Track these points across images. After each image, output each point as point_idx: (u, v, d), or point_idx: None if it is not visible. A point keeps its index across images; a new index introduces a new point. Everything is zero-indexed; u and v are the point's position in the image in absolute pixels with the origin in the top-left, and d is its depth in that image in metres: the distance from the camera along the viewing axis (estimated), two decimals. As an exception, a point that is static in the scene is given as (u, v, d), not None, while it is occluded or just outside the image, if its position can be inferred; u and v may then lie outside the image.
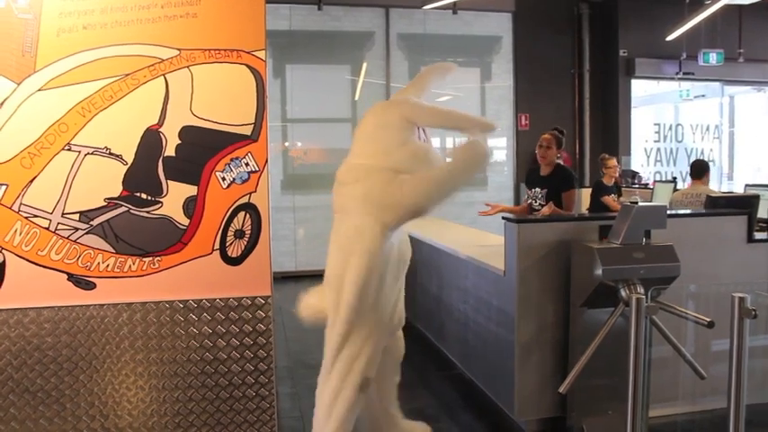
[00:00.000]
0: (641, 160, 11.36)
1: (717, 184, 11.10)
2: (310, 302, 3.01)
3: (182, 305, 3.20)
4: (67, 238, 3.08)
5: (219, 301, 3.22)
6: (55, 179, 3.05)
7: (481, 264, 4.24)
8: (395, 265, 3.00)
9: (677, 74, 10.61)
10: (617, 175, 7.69)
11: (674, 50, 10.22)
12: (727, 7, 8.99)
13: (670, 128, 11.77)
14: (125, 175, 3.11)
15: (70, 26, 3.02)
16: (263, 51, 3.19)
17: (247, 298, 3.24)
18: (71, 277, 3.11)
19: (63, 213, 3.07)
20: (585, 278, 3.43)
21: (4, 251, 3.04)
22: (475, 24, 10.12)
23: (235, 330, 3.24)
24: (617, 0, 10.29)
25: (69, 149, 3.05)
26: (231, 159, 3.19)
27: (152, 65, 3.10)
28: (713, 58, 10.19)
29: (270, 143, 3.30)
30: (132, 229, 3.12)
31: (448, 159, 2.97)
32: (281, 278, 8.58)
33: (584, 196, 8.21)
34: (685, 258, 3.37)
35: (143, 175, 3.12)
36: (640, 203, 3.46)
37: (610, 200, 7.16)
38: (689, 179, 6.25)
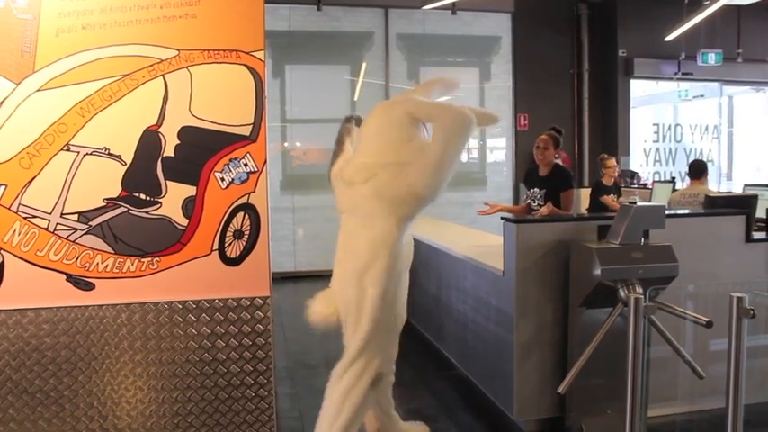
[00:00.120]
0: (640, 160, 11.37)
1: (715, 184, 11.11)
2: (317, 309, 3.01)
3: (180, 306, 3.20)
4: (66, 238, 3.08)
5: (218, 302, 3.22)
6: (54, 179, 3.05)
7: (480, 264, 4.24)
8: (404, 263, 3.06)
9: (676, 74, 10.62)
10: (616, 175, 7.69)
11: (672, 51, 10.23)
12: (726, 8, 9.00)
13: (669, 128, 11.78)
14: (124, 175, 3.11)
15: (69, 26, 3.02)
16: (262, 52, 3.20)
17: (246, 298, 3.24)
18: (70, 278, 3.11)
19: (62, 214, 3.07)
20: (584, 278, 3.43)
21: (2, 252, 3.04)
22: (474, 25, 10.12)
23: (234, 331, 3.24)
24: (616, 0, 10.29)
25: (68, 150, 3.05)
26: (230, 160, 3.19)
27: (151, 65, 3.10)
28: (712, 58, 10.20)
29: (269, 143, 3.31)
30: (131, 230, 3.12)
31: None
32: (281, 278, 8.59)
33: (584, 196, 8.22)
34: (684, 258, 3.37)
35: (142, 176, 3.12)
36: (639, 203, 3.47)
37: (609, 199, 7.17)
38: (688, 179, 6.25)
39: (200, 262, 3.19)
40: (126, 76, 3.08)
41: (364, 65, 9.76)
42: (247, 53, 3.18)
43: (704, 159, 10.05)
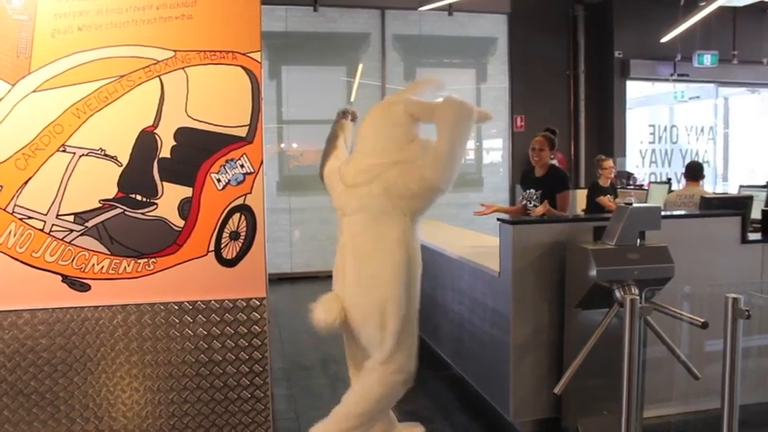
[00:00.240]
0: (636, 161, 11.39)
1: (711, 186, 11.13)
2: (320, 317, 3.00)
3: (176, 307, 3.19)
4: (62, 239, 3.08)
5: (214, 303, 3.22)
6: (50, 180, 3.04)
7: (476, 265, 4.24)
8: (419, 258, 3.12)
9: (672, 75, 10.64)
10: (613, 176, 7.71)
11: (668, 52, 10.25)
12: (722, 9, 9.03)
13: (665, 129, 11.81)
14: (120, 176, 3.10)
15: (65, 27, 3.02)
16: (259, 53, 3.20)
17: (242, 300, 3.24)
18: (65, 279, 3.10)
19: (58, 215, 3.06)
20: (580, 279, 3.44)
21: (-2, 253, 3.03)
22: (470, 26, 10.13)
23: (230, 332, 3.24)
24: (612, 2, 10.31)
25: (64, 151, 3.05)
26: (226, 161, 3.19)
27: (147, 66, 3.09)
28: (707, 59, 10.23)
29: (265, 144, 3.31)
30: (127, 231, 3.12)
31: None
32: (277, 280, 8.59)
33: (580, 197, 8.23)
34: (679, 259, 3.38)
35: (138, 177, 3.12)
36: (635, 204, 3.47)
37: (605, 200, 7.18)
38: (683, 180, 6.26)
39: (197, 263, 3.19)
40: (122, 77, 3.08)
41: (361, 66, 9.76)
42: (244, 54, 3.18)
43: (700, 160, 10.09)
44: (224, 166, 3.18)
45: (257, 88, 3.20)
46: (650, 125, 11.74)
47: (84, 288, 3.12)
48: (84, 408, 3.17)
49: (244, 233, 3.23)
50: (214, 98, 3.16)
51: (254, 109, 3.20)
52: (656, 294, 3.39)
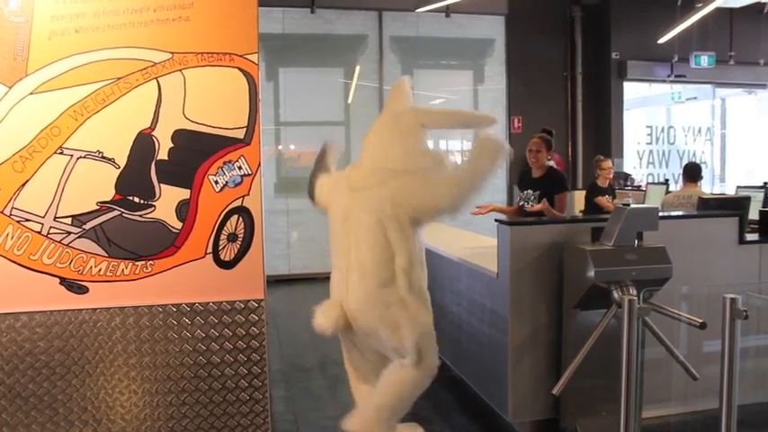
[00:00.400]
0: (634, 162, 11.41)
1: (708, 186, 11.15)
2: (322, 323, 3.00)
3: (174, 309, 3.19)
4: (60, 242, 3.07)
5: (212, 305, 3.21)
6: (47, 183, 3.04)
7: (474, 266, 4.24)
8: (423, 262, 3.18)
9: (669, 76, 10.67)
10: (611, 176, 7.72)
11: (665, 53, 10.27)
12: (719, 10, 9.06)
13: (662, 130, 11.83)
14: (118, 178, 3.10)
15: (62, 29, 3.02)
16: (256, 55, 3.20)
17: (240, 301, 3.24)
18: (63, 281, 3.10)
19: (55, 217, 3.06)
20: (578, 280, 3.44)
21: (-5, 255, 3.02)
22: (468, 27, 10.14)
23: (228, 334, 3.24)
24: (609, 3, 10.33)
25: (62, 153, 3.04)
26: (224, 163, 3.18)
27: (144, 68, 3.09)
28: (705, 60, 10.25)
29: (263, 146, 3.31)
30: (125, 233, 3.12)
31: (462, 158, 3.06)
32: (275, 281, 8.58)
33: (578, 198, 8.23)
34: (677, 260, 3.38)
35: (136, 179, 3.11)
36: (632, 205, 3.48)
37: (604, 200, 7.18)
38: (681, 181, 6.26)
39: (195, 265, 3.19)
40: (119, 79, 3.07)
41: (358, 68, 9.76)
42: (241, 56, 3.18)
43: (697, 161, 10.11)
44: (221, 167, 3.18)
45: (254, 90, 3.20)
46: (647, 126, 11.77)
47: (82, 290, 3.12)
48: (82, 410, 3.16)
49: (242, 235, 3.22)
50: (211, 100, 3.16)
51: (252, 111, 3.20)
52: (655, 295, 3.39)
